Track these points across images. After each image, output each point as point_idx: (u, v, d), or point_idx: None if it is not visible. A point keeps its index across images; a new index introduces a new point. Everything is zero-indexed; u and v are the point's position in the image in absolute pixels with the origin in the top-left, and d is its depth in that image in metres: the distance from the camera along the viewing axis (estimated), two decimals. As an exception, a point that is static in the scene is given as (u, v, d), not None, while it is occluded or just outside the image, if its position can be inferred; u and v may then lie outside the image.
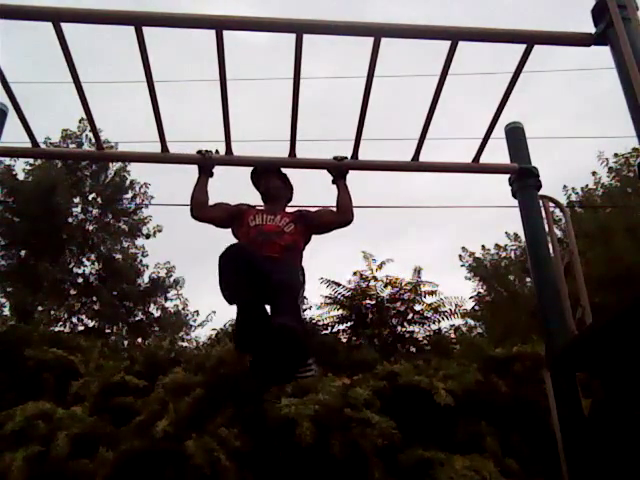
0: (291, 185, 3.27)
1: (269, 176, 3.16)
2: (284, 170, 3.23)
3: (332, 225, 3.08)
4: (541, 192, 2.95)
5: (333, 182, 3.08)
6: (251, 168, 3.22)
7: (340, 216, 3.04)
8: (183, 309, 14.96)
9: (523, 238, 3.22)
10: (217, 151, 3.05)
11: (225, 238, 2.99)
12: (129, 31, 2.27)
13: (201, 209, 2.97)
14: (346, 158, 3.01)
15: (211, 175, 3.06)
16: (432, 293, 9.17)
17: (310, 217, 3.08)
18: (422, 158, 2.92)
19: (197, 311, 14.98)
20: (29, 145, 2.86)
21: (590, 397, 2.43)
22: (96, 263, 14.27)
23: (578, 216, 11.92)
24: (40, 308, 12.98)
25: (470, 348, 7.86)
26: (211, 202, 3.05)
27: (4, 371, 6.23)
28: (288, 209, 3.18)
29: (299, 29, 2.28)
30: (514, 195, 3.00)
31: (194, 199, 2.97)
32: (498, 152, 3.22)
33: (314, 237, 3.12)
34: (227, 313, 14.73)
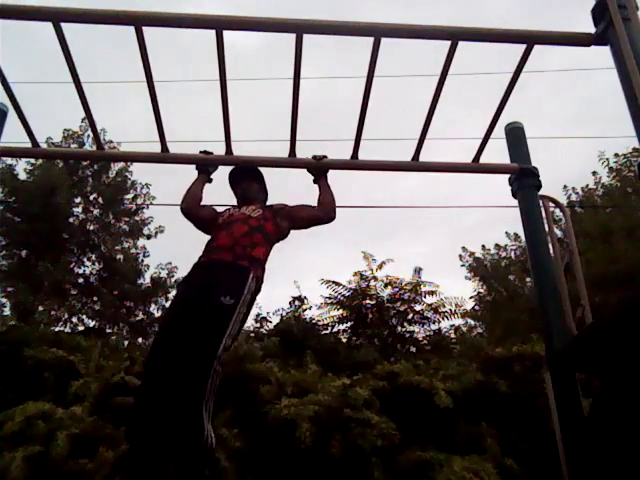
0: (267, 189, 3.19)
1: (248, 179, 3.08)
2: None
3: (313, 220, 2.94)
4: (541, 192, 2.95)
5: (314, 182, 3.00)
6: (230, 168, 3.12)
7: (323, 212, 2.91)
8: (183, 309, 14.94)
9: (523, 238, 3.22)
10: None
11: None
12: (129, 31, 2.27)
13: (192, 203, 2.95)
14: (325, 157, 2.94)
15: (209, 181, 3.07)
16: (432, 293, 9.18)
17: (287, 210, 2.94)
18: (422, 158, 2.91)
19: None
20: (29, 145, 2.85)
21: (590, 397, 2.43)
22: (97, 263, 14.28)
23: (578, 216, 11.92)
24: (40, 308, 12.98)
25: (470, 348, 7.88)
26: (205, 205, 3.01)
27: (4, 371, 6.23)
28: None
29: (299, 29, 2.28)
30: (514, 195, 3.00)
31: (188, 192, 2.97)
32: (498, 152, 3.22)
33: (310, 238, 3.06)
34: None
